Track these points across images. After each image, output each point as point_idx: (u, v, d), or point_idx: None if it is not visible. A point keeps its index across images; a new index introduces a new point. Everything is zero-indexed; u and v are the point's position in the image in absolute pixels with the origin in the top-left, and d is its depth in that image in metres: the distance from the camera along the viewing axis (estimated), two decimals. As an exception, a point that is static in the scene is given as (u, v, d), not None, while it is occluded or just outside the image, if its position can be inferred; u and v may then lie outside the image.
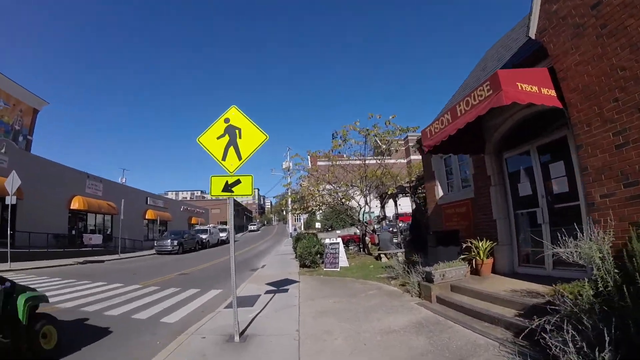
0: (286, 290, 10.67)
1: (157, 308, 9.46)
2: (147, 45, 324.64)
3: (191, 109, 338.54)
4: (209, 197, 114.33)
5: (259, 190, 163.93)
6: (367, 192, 19.16)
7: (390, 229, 17.82)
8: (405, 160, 52.24)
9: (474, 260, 8.81)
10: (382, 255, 15.82)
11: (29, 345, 5.15)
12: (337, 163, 19.55)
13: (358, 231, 36.00)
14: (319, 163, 23.55)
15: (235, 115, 6.69)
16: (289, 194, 19.01)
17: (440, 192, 12.26)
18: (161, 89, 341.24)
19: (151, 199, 43.48)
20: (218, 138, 6.58)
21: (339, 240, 15.30)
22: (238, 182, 6.38)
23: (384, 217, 23.34)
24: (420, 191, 20.23)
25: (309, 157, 20.45)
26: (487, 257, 8.76)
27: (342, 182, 19.27)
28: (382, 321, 6.67)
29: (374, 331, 6.13)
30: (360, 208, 20.50)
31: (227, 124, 6.63)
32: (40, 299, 5.73)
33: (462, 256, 8.97)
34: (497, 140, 9.14)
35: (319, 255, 15.81)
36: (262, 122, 6.69)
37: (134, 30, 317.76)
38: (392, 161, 20.66)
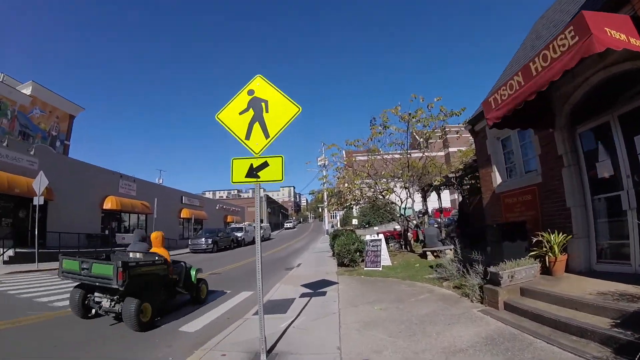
0: (324, 294, 9.51)
1: (178, 314, 8.48)
2: (184, 45, 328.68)
3: None
4: (245, 195, 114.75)
5: (294, 187, 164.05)
6: (410, 183, 17.73)
7: (435, 224, 16.32)
8: (444, 153, 50.13)
9: (546, 257, 7.41)
10: (428, 253, 14.44)
11: (196, 295, 9.53)
12: (376, 156, 18.18)
13: (398, 227, 34.58)
14: (358, 157, 22.27)
15: (260, 85, 5.55)
16: (325, 187, 17.70)
17: (498, 179, 10.77)
18: (197, 88, 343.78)
19: (186, 197, 43.24)
20: (241, 113, 5.46)
21: (381, 237, 14.00)
22: (265, 164, 5.21)
23: (426, 212, 21.73)
24: (466, 182, 18.61)
25: (344, 152, 19.15)
26: (561, 253, 7.37)
27: (383, 173, 17.85)
28: (443, 336, 5.39)
29: (435, 350, 4.86)
30: (402, 202, 19.16)
31: (251, 97, 5.51)
32: (199, 271, 10.07)
33: (531, 252, 7.59)
34: (569, 111, 7.70)
35: (358, 254, 14.60)
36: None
37: (172, 30, 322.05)
38: (433, 154, 19.08)
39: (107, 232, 29.91)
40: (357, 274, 12.64)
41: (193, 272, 9.50)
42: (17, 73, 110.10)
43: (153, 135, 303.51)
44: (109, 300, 7.14)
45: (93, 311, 7.52)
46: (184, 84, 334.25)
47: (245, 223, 46.52)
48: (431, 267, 11.84)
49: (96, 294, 7.37)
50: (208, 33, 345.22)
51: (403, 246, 19.57)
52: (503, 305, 6.52)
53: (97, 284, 6.92)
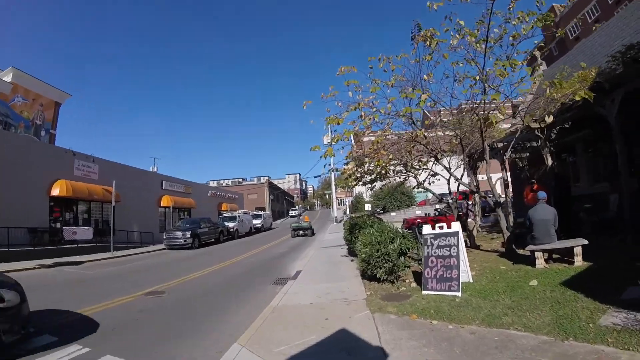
0: None
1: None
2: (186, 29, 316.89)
3: (230, 98, 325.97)
4: (246, 182, 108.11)
5: (300, 175, 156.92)
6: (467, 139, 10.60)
7: (542, 199, 8.91)
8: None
9: None
10: (537, 255, 7.58)
11: (311, 229, 30.99)
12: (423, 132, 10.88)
13: (419, 212, 27.82)
14: (366, 139, 15.11)
15: None
16: (334, 140, 10.25)
17: None
18: (199, 76, 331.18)
19: (168, 182, 35.91)
20: None
21: (456, 228, 7.00)
22: None
23: (477, 190, 14.47)
24: (555, 134, 11.67)
25: (352, 136, 11.32)
26: None
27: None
28: None
29: None
30: (450, 172, 12.38)
31: None
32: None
33: None
34: None
35: (402, 258, 7.84)
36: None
37: (174, 13, 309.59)
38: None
39: (59, 225, 23.17)
40: (416, 311, 5.79)
41: (307, 223, 30.24)
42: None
43: (152, 123, 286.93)
44: (303, 232, 29.07)
45: (297, 235, 28.72)
46: (183, 67, 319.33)
47: (240, 211, 39.69)
48: (565, 285, 5.62)
49: (298, 231, 29.15)
50: (205, 10, 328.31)
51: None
52: None
53: (301, 226, 29.56)
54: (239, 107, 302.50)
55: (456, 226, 6.91)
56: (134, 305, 8.39)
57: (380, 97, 9.57)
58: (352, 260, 11.82)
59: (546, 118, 8.10)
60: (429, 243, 7.02)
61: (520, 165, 16.52)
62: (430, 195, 41.10)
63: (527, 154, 15.83)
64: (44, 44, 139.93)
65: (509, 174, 18.06)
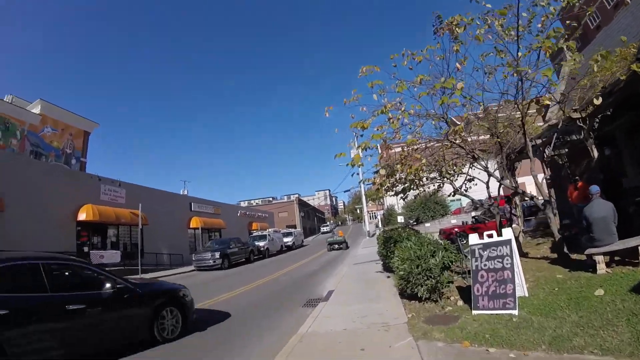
0: None
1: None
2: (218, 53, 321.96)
3: (258, 117, 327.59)
4: (276, 201, 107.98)
5: (329, 190, 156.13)
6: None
7: (595, 194, 7.76)
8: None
9: None
10: (598, 260, 6.56)
11: (346, 243, 32.49)
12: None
13: (454, 221, 26.62)
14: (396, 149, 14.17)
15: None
16: (360, 148, 9.38)
17: None
18: (221, 95, 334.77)
19: (196, 204, 36.01)
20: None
21: (508, 235, 6.07)
22: None
23: (522, 192, 13.07)
24: (597, 123, 10.54)
25: (379, 145, 10.49)
26: None
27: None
28: None
29: None
30: (489, 175, 11.45)
31: None
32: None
33: None
34: None
35: (446, 273, 6.95)
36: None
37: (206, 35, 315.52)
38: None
39: (86, 248, 23.07)
40: (467, 336, 4.89)
41: (342, 238, 31.57)
42: (26, 92, 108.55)
43: (181, 147, 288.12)
44: (339, 245, 29.99)
45: (332, 249, 29.67)
46: (210, 91, 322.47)
47: (270, 229, 39.10)
48: (637, 292, 4.98)
49: (334, 245, 30.06)
50: (235, 37, 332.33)
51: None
52: None
53: (336, 241, 30.54)
54: (266, 127, 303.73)
55: (508, 233, 5.98)
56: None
57: (407, 97, 8.82)
58: (388, 277, 10.96)
59: (594, 100, 7.18)
60: (477, 255, 6.11)
61: (560, 162, 15.35)
62: (464, 203, 39.85)
63: (566, 150, 14.70)
64: (72, 75, 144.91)
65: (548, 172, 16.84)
